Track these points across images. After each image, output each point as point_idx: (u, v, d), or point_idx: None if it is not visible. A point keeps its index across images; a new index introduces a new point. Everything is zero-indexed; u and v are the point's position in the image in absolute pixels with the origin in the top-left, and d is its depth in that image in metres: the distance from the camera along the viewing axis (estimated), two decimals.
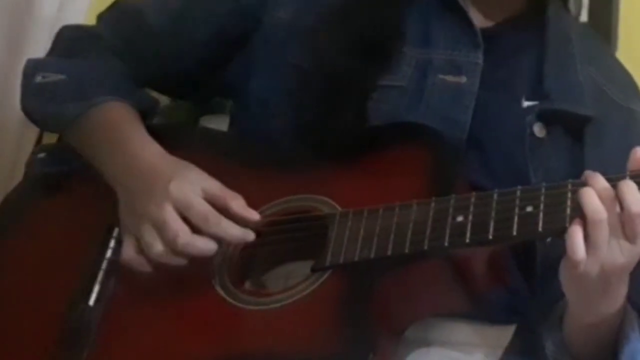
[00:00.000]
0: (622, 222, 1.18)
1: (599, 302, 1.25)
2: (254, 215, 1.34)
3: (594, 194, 1.18)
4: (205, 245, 1.32)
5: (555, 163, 1.39)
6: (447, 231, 1.25)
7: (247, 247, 1.35)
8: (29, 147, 1.78)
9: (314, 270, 1.31)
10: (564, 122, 1.40)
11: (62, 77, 1.51)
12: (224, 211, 1.34)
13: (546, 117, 1.39)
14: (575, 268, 1.19)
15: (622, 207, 1.18)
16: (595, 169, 1.25)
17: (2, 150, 1.54)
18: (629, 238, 1.19)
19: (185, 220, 1.33)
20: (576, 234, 1.18)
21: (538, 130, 1.39)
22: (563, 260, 1.22)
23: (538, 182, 1.31)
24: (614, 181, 1.20)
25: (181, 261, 1.33)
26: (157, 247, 1.33)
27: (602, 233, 1.18)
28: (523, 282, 1.38)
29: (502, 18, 1.46)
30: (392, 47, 1.42)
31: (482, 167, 1.37)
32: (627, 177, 1.20)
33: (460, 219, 1.25)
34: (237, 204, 1.34)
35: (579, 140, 1.41)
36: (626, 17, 1.95)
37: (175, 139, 1.48)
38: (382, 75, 1.41)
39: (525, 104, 1.41)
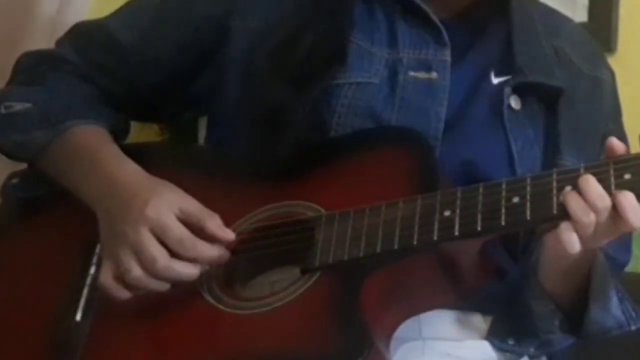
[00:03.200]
0: (614, 220, 1.21)
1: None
2: (229, 235, 1.33)
3: (579, 198, 1.21)
4: (184, 269, 1.31)
5: (532, 133, 1.43)
6: (436, 225, 1.26)
7: (234, 253, 1.34)
8: None
9: (303, 271, 1.30)
10: (537, 94, 1.45)
11: (27, 105, 1.49)
12: (201, 230, 1.33)
13: (521, 90, 1.44)
14: (565, 251, 1.22)
15: (617, 210, 1.20)
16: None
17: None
18: (617, 231, 1.22)
19: (163, 243, 1.32)
20: (570, 233, 1.21)
21: (514, 102, 1.43)
22: (551, 235, 1.26)
23: (519, 151, 1.39)
24: (600, 174, 1.21)
25: (162, 285, 1.32)
26: (135, 271, 1.31)
27: (587, 231, 1.21)
28: (510, 260, 1.41)
29: (464, 6, 1.49)
30: (343, 39, 1.43)
31: (464, 146, 1.40)
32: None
33: (447, 213, 1.26)
34: (213, 224, 1.33)
35: (552, 110, 1.46)
36: (626, 17, 1.98)
37: (151, 157, 1.47)
38: (337, 73, 1.42)
39: (495, 80, 1.45)
